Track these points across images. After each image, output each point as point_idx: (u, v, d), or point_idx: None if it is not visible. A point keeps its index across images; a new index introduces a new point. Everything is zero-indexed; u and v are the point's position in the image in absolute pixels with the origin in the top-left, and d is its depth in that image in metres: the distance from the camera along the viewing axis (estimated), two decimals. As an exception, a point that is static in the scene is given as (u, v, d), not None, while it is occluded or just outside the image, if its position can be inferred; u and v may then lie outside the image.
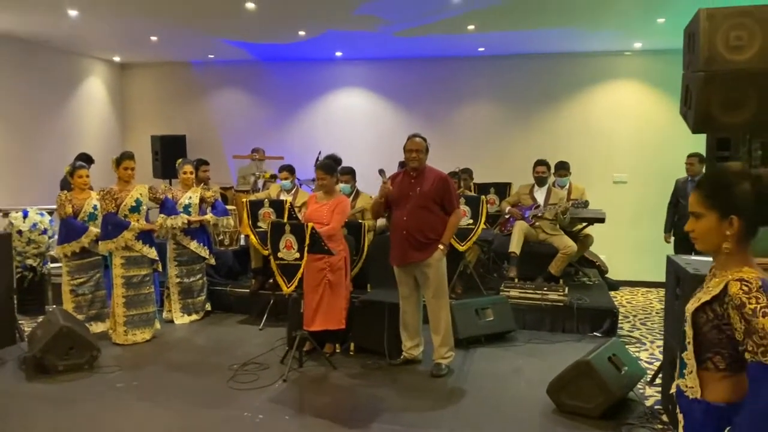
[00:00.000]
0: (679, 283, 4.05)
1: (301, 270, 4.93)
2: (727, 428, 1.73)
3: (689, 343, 1.83)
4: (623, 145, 8.72)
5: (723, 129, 3.88)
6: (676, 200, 7.20)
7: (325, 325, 5.10)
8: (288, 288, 5.04)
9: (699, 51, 3.68)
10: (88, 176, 6.15)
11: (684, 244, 6.17)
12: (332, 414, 4.30)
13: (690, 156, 6.92)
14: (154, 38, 7.99)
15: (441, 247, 4.84)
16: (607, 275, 7.94)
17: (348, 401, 4.56)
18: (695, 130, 3.86)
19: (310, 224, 4.88)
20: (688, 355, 1.84)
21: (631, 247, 8.52)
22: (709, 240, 1.81)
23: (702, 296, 1.81)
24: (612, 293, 7.16)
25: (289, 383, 4.78)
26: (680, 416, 1.93)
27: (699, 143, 8.20)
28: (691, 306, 1.84)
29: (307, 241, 4.81)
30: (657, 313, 7.14)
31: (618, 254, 8.43)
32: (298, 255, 4.93)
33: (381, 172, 5.18)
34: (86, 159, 7.16)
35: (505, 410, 4.35)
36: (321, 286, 5.08)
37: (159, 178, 9.03)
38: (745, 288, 1.68)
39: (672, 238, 7.17)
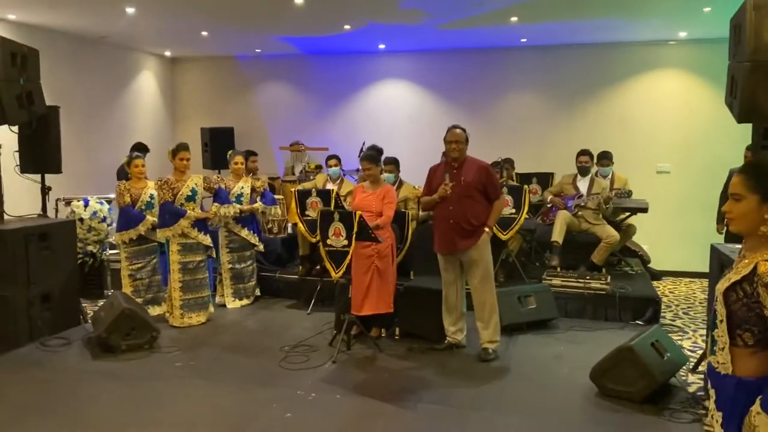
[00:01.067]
0: (722, 271, 4.11)
1: (349, 256, 5.12)
2: (759, 397, 1.84)
3: (721, 321, 1.95)
4: (667, 135, 8.67)
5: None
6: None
7: (375, 309, 5.28)
8: (336, 274, 5.24)
9: (745, 41, 3.71)
10: (144, 166, 6.43)
11: (736, 235, 6.11)
12: (381, 394, 4.49)
13: (748, 148, 6.79)
14: (204, 33, 8.27)
15: (486, 229, 4.98)
16: (649, 265, 7.94)
17: (396, 382, 4.73)
18: (741, 120, 3.90)
19: (358, 212, 5.05)
20: (720, 333, 1.96)
21: (674, 238, 8.49)
22: (747, 221, 1.94)
23: (732, 276, 1.93)
24: (654, 283, 7.18)
25: (338, 364, 4.99)
26: (712, 391, 2.04)
27: (745, 134, 8.15)
28: (721, 286, 1.96)
29: (355, 229, 5.00)
30: (700, 302, 7.14)
31: (661, 244, 8.40)
32: (346, 242, 5.12)
33: (447, 172, 5.03)
34: (142, 148, 7.49)
35: (549, 393, 4.47)
36: (369, 273, 5.26)
37: (209, 168, 9.33)
38: None
39: (724, 229, 7.03)
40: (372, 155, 5.49)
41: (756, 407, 1.83)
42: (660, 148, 8.69)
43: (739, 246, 4.25)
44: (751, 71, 3.75)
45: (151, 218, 6.22)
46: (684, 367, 4.76)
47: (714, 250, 4.35)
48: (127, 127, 9.45)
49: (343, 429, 4.03)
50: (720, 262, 4.15)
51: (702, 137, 8.45)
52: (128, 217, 6.23)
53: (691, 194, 8.39)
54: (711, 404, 2.04)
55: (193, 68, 10.59)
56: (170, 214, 5.94)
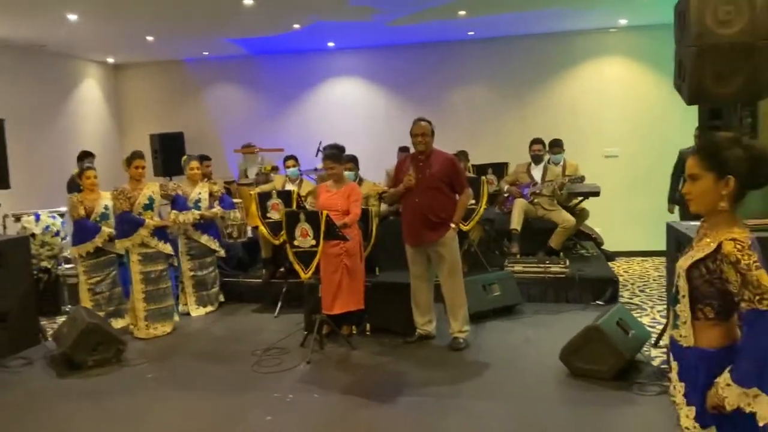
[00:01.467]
0: (680, 249, 4.29)
1: (317, 256, 5.12)
2: (728, 367, 1.93)
3: (683, 296, 2.04)
4: (613, 119, 8.96)
5: (715, 100, 4.10)
6: (682, 170, 6.95)
7: (346, 307, 5.30)
8: (306, 274, 5.23)
9: (690, 26, 3.88)
10: (96, 177, 6.26)
11: (690, 214, 6.28)
12: (360, 390, 4.53)
13: (699, 128, 6.98)
14: (150, 38, 8.10)
15: (453, 225, 5.06)
16: (603, 247, 8.20)
17: (372, 378, 4.78)
18: (690, 102, 4.08)
19: (325, 212, 5.06)
20: (682, 308, 2.05)
21: (624, 219, 8.79)
22: (706, 200, 2.00)
23: (696, 254, 2.01)
24: (609, 264, 7.43)
25: (312, 365, 5.00)
26: (674, 363, 2.14)
27: (688, 116, 8.49)
28: (684, 263, 2.05)
29: (323, 228, 5.00)
30: (654, 280, 7.42)
31: (612, 226, 8.68)
32: (314, 242, 5.11)
33: (413, 164, 5.16)
34: (87, 155, 7.30)
35: (522, 377, 4.60)
36: (339, 272, 5.27)
37: (160, 175, 9.15)
38: (739, 246, 1.90)
39: (676, 208, 7.08)
40: (334, 154, 5.49)
41: (725, 379, 1.91)
42: (607, 133, 8.98)
43: (695, 223, 4.47)
44: (697, 55, 3.93)
45: (107, 230, 6.06)
46: (647, 343, 4.95)
47: (670, 229, 4.54)
48: (73, 137, 9.17)
49: (326, 428, 4.05)
50: (677, 240, 4.34)
51: (646, 121, 8.76)
52: (84, 229, 6.05)
53: (639, 177, 8.70)
54: (673, 375, 2.14)
55: (138, 74, 10.35)
56: (128, 223, 5.82)
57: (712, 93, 3.97)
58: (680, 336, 2.07)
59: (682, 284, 2.03)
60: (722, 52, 3.87)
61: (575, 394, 4.28)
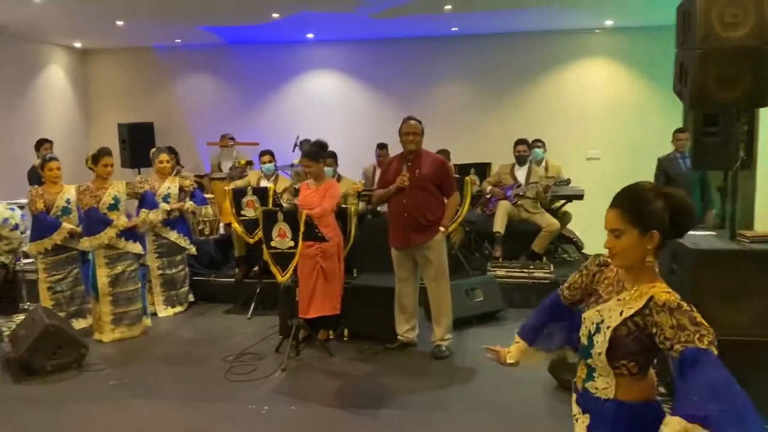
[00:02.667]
0: (675, 258, 4.14)
1: (296, 259, 4.86)
2: (676, 417, 1.73)
3: (600, 354, 1.95)
4: (595, 121, 8.86)
5: (718, 105, 3.93)
6: (665, 179, 6.78)
7: (321, 311, 5.08)
8: (283, 277, 4.97)
9: (695, 28, 3.71)
10: (59, 169, 5.88)
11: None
12: (338, 402, 4.29)
13: (679, 131, 6.89)
14: (120, 23, 7.72)
15: (442, 229, 4.86)
16: (583, 251, 8.07)
17: (352, 388, 4.54)
18: (692, 107, 3.92)
19: (304, 211, 4.81)
20: (599, 363, 1.97)
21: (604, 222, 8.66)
22: (631, 255, 1.93)
23: (623, 310, 1.93)
24: (592, 268, 7.27)
25: (288, 372, 4.74)
26: (584, 416, 2.07)
27: (671, 119, 8.44)
28: (596, 317, 1.98)
29: (302, 228, 4.74)
30: (636, 286, 7.31)
31: (592, 229, 8.53)
32: (292, 243, 4.85)
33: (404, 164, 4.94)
34: (44, 142, 6.91)
35: (508, 389, 4.40)
36: (314, 274, 5.04)
37: (127, 167, 8.79)
38: (672, 294, 1.86)
39: None
40: (312, 152, 5.22)
41: (678, 421, 1.72)
42: (589, 135, 8.87)
43: (693, 233, 4.31)
44: (702, 59, 3.76)
45: (68, 226, 5.68)
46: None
47: (665, 238, 4.37)
48: (36, 126, 8.72)
49: (302, 444, 3.81)
50: (672, 250, 4.17)
51: (628, 123, 8.68)
52: (42, 224, 5.67)
53: (620, 179, 8.27)
54: (580, 428, 2.08)
55: (106, 60, 9.93)
56: (96, 221, 5.46)
57: (716, 98, 3.81)
58: (596, 388, 2.01)
59: (602, 340, 1.94)
60: (727, 56, 3.71)
61: (565, 408, 4.07)
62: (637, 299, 1.91)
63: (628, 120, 8.67)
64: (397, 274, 5.04)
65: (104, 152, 5.63)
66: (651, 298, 1.88)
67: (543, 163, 7.56)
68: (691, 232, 4.28)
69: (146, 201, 5.98)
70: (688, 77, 3.87)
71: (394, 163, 4.99)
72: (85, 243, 5.52)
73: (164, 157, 6.44)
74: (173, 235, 6.32)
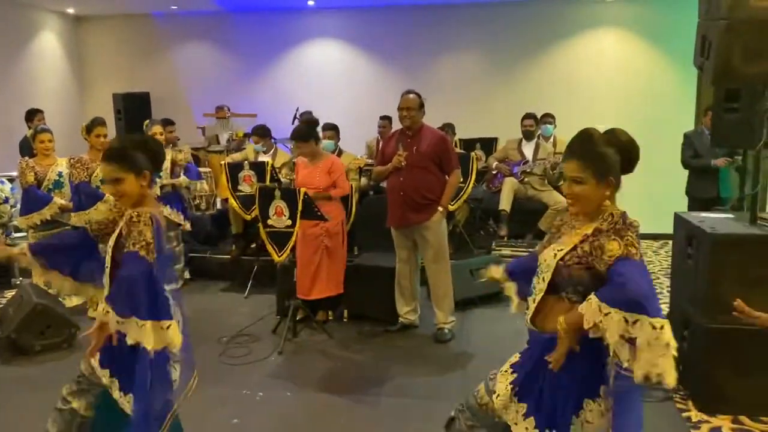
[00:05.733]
0: (691, 243, 3.94)
1: (293, 238, 4.67)
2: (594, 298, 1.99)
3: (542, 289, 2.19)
4: (606, 95, 8.54)
5: (743, 80, 3.69)
6: (693, 153, 6.40)
7: (325, 292, 4.92)
8: (279, 257, 4.78)
9: (722, -3, 3.46)
10: (51, 141, 5.65)
11: (697, 206, 5.99)
12: (336, 387, 4.13)
13: (710, 109, 6.58)
14: (113, -13, 7.42)
15: (440, 209, 4.66)
16: (591, 228, 7.88)
17: (350, 373, 4.38)
18: (714, 82, 3.68)
19: (303, 189, 4.60)
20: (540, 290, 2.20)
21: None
22: (591, 201, 2.12)
23: (573, 240, 2.13)
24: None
25: (285, 355, 4.58)
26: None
27: (685, 93, 8.17)
28: (552, 254, 2.16)
29: (300, 207, 4.54)
30: (648, 262, 7.11)
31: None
32: (289, 222, 4.65)
33: (401, 141, 4.74)
34: (35, 112, 6.71)
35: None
36: (318, 254, 4.85)
37: (124, 138, 8.55)
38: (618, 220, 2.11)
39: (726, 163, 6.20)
40: (301, 133, 4.92)
41: (598, 306, 1.94)
42: (600, 108, 8.54)
43: (706, 214, 4.10)
44: (727, 30, 3.51)
45: (59, 200, 5.48)
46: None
47: (680, 220, 4.17)
48: (28, 95, 8.44)
49: (298, 433, 3.65)
50: (688, 234, 3.97)
51: (640, 97, 8.36)
52: (33, 198, 5.46)
53: None
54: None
55: (101, 27, 9.60)
56: (87, 196, 5.26)
57: (740, 72, 3.57)
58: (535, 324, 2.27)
59: (546, 274, 2.17)
60: (756, 27, 3.46)
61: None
62: (586, 229, 2.12)
63: (641, 93, 8.36)
64: (397, 254, 4.86)
65: (97, 122, 5.42)
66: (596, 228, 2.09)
67: (551, 139, 7.30)
68: (706, 215, 4.11)
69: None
70: (711, 50, 3.62)
71: (393, 140, 4.76)
72: (74, 218, 5.32)
73: (157, 129, 6.18)
74: (166, 211, 6.05)
